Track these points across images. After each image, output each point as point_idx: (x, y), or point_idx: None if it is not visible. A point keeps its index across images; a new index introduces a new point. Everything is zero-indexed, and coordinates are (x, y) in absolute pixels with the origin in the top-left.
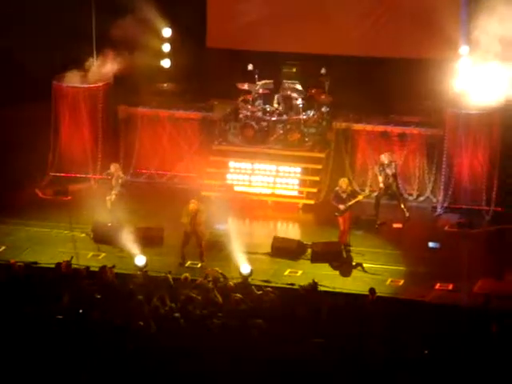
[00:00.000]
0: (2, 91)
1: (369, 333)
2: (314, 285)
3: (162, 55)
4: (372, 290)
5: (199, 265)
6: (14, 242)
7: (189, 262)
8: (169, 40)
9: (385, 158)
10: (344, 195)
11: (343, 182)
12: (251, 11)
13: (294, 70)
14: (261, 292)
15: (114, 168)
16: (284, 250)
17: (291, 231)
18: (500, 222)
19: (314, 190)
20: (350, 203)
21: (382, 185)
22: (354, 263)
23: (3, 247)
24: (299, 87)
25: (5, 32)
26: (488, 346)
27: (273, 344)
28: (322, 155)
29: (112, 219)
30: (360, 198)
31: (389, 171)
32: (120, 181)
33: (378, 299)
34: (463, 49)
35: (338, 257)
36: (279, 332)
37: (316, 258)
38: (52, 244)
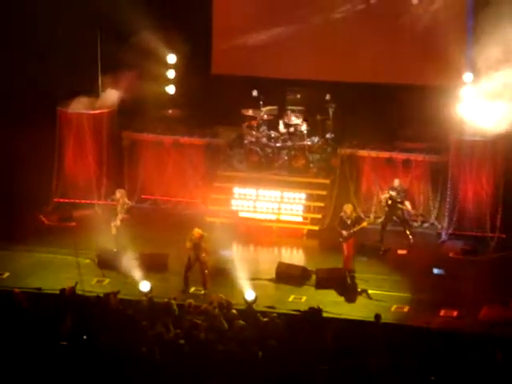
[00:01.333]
0: (5, 117)
1: (374, 359)
2: (319, 311)
3: (167, 81)
4: (377, 316)
5: (202, 291)
6: (17, 269)
7: (193, 289)
8: (173, 66)
9: (397, 184)
10: (348, 221)
11: (348, 208)
12: (256, 38)
13: (299, 96)
14: (266, 319)
15: (119, 194)
16: (288, 276)
17: (296, 257)
18: (505, 248)
19: (319, 216)
20: (354, 229)
21: (385, 209)
22: (358, 289)
23: (7, 273)
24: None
25: (7, 58)
26: (493, 374)
27: (276, 369)
28: (327, 181)
29: (117, 245)
30: (364, 224)
31: (399, 198)
32: (125, 207)
33: (383, 325)
34: (467, 76)
35: (342, 283)
36: (283, 357)
37: (320, 285)
38: (56, 270)
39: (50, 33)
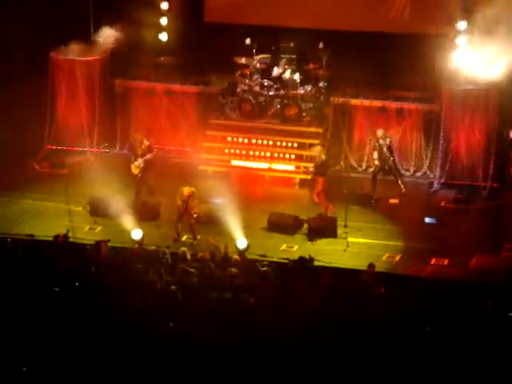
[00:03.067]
0: None
1: (367, 308)
2: (310, 260)
3: (160, 28)
4: (371, 265)
5: (195, 241)
6: (8, 215)
7: (185, 237)
8: (166, 13)
9: (380, 134)
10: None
11: (315, 149)
12: None
13: (292, 44)
14: (266, 269)
15: (140, 135)
16: (280, 225)
17: (288, 206)
18: (497, 197)
19: (311, 165)
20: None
21: (376, 161)
22: (350, 238)
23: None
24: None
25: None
26: (484, 322)
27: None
28: (320, 130)
29: (137, 186)
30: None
31: (384, 147)
32: (143, 147)
33: (375, 274)
34: (461, 24)
35: (333, 232)
36: (276, 306)
37: (312, 233)
38: (48, 217)
39: None
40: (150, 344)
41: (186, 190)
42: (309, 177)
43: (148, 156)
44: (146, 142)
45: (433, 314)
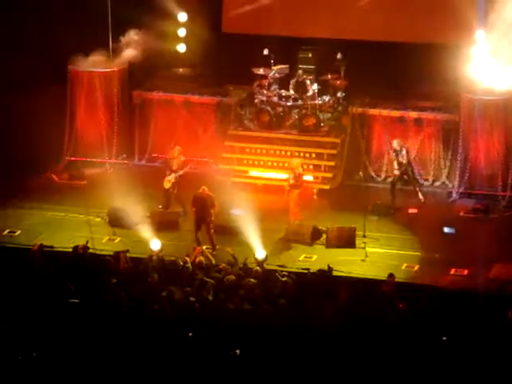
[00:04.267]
0: (17, 75)
1: (386, 318)
2: (330, 270)
3: (178, 40)
4: (391, 275)
5: (214, 252)
6: (29, 227)
7: (204, 247)
8: (184, 25)
9: (396, 145)
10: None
11: (293, 162)
12: None
13: (310, 54)
14: (285, 279)
15: (177, 151)
16: (299, 235)
17: (306, 216)
18: None
19: (330, 175)
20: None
21: (396, 171)
22: (367, 248)
23: (18, 231)
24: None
25: (19, 16)
26: (504, 333)
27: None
28: (338, 140)
29: (166, 201)
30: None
31: (401, 157)
32: (181, 172)
33: (395, 284)
34: (479, 33)
35: (352, 242)
36: (293, 317)
37: (331, 244)
38: (67, 228)
39: None
40: (167, 353)
41: (201, 191)
42: (286, 188)
43: (181, 172)
44: (182, 158)
45: (451, 325)
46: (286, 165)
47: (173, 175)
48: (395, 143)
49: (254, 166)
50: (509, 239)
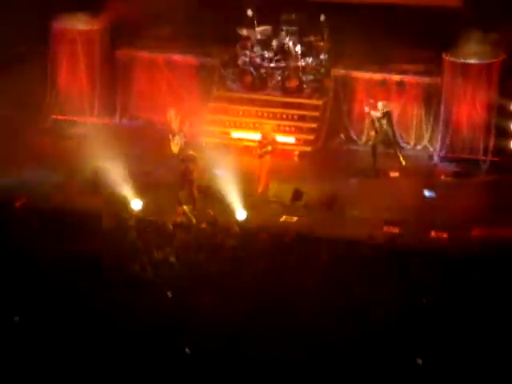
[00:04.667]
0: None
1: (369, 280)
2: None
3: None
4: (371, 236)
5: (195, 212)
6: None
7: (185, 207)
8: None
9: (380, 106)
10: (264, 141)
11: (263, 129)
12: None
13: (293, 16)
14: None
15: (173, 114)
16: (280, 197)
17: (288, 178)
18: (497, 171)
19: (311, 138)
20: (264, 149)
21: (373, 132)
22: (348, 211)
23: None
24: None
25: None
26: (484, 294)
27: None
28: (320, 102)
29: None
30: (268, 148)
31: (384, 119)
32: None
33: (374, 247)
34: None
35: (333, 204)
36: (273, 279)
37: (311, 205)
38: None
39: None
40: (146, 318)
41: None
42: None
43: (184, 131)
44: (178, 118)
45: (431, 287)
46: (258, 132)
47: (177, 137)
48: (380, 105)
49: (236, 127)
50: (489, 203)
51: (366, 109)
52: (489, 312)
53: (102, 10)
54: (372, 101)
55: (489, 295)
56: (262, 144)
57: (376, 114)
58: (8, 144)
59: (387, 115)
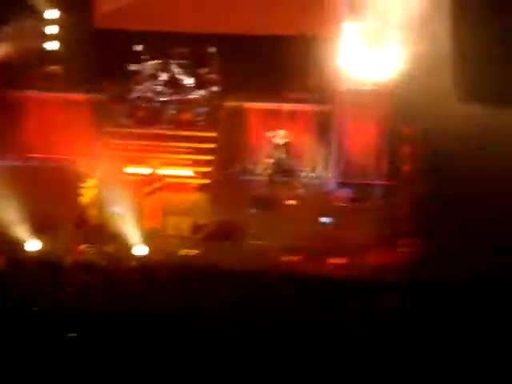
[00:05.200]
0: None
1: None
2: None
3: (50, 37)
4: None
5: (92, 248)
6: None
7: (84, 246)
8: (55, 21)
9: (282, 135)
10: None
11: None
12: None
13: (184, 49)
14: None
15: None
16: (179, 230)
17: (186, 211)
18: (392, 195)
19: (208, 170)
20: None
21: (270, 160)
22: (248, 241)
23: None
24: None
25: None
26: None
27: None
28: (214, 134)
29: None
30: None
31: (280, 148)
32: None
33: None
34: (347, 25)
35: (232, 236)
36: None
37: (211, 238)
38: None
39: None
40: None
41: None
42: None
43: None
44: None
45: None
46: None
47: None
48: (275, 134)
49: (131, 162)
50: (384, 226)
51: (269, 134)
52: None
53: None
54: (272, 132)
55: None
56: (148, 181)
57: (279, 141)
58: None
59: (287, 144)
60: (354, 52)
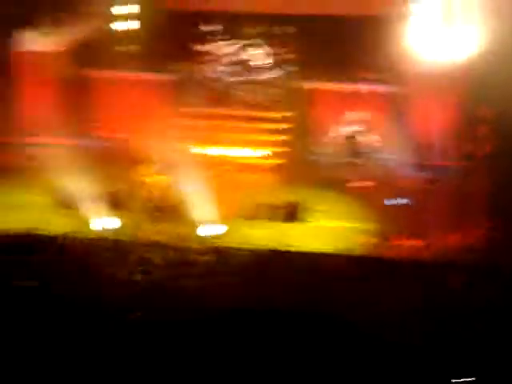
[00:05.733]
0: None
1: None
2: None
3: (122, 18)
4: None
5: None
6: None
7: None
8: (128, 3)
9: (349, 118)
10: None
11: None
12: None
13: (257, 29)
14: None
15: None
16: (255, 211)
17: (255, 192)
18: (464, 176)
19: (280, 150)
20: None
21: (344, 144)
22: (319, 222)
23: None
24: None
25: None
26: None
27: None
28: (289, 115)
29: None
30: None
31: (353, 130)
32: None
33: (347, 257)
34: (413, 5)
35: (293, 217)
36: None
37: (287, 218)
38: (18, 210)
39: None
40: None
41: (148, 169)
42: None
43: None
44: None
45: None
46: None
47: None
48: (353, 115)
49: (203, 142)
50: (460, 208)
51: (343, 115)
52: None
53: (64, 30)
54: (346, 113)
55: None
56: (219, 162)
57: (353, 122)
58: None
59: (361, 125)
60: (429, 32)
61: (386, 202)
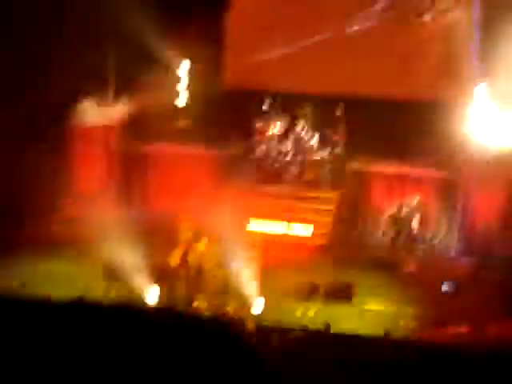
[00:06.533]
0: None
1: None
2: (327, 328)
3: (178, 92)
4: (387, 333)
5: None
6: (27, 279)
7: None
8: (184, 77)
9: (402, 201)
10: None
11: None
12: (268, 51)
13: (310, 109)
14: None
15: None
16: (296, 290)
17: (303, 271)
18: None
19: (327, 231)
20: None
21: (393, 228)
22: (365, 304)
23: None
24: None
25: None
26: None
27: None
28: (335, 196)
29: None
30: None
31: (406, 214)
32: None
33: (392, 342)
34: (478, 89)
35: (349, 297)
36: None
37: (328, 298)
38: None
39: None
40: None
41: (201, 253)
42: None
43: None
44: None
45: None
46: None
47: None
48: (407, 199)
49: (252, 219)
50: (505, 298)
51: (393, 199)
52: None
53: (118, 101)
54: (397, 196)
55: None
56: (267, 239)
57: (402, 211)
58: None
59: (412, 209)
60: (483, 118)
61: (441, 288)
